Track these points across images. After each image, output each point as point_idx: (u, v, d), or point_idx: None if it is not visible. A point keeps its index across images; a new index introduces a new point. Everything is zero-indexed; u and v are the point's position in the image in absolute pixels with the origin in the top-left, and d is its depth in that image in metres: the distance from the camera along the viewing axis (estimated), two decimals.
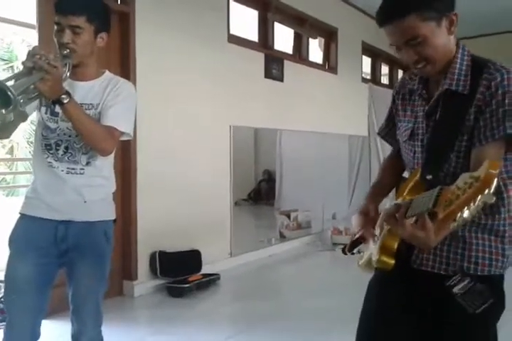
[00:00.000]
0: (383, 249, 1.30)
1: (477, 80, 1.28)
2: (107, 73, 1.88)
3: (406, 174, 1.56)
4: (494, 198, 0.90)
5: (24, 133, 9.67)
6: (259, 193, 7.91)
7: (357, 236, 1.56)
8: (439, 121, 1.35)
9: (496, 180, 0.90)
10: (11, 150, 11.00)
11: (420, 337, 1.41)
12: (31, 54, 1.54)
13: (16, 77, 1.51)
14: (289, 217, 5.90)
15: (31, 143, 8.79)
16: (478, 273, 1.31)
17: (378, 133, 1.70)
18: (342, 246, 1.68)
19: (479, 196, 0.90)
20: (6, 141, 10.93)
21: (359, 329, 1.51)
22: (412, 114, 1.44)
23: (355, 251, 1.57)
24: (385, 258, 1.29)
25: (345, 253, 1.62)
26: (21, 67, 1.54)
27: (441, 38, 1.28)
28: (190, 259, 4.18)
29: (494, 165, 0.91)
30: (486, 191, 0.90)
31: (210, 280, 4.08)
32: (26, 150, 9.30)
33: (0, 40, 10.41)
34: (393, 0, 1.29)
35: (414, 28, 1.24)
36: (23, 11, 4.24)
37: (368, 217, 1.47)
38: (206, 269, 4.23)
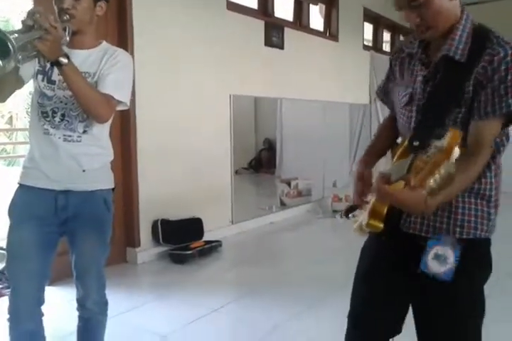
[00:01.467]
0: (372, 214, 1.32)
1: (478, 52, 1.27)
2: (105, 43, 1.88)
3: (400, 139, 1.56)
4: (454, 169, 0.91)
5: (23, 104, 9.63)
6: (260, 162, 7.94)
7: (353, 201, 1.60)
8: (436, 87, 1.34)
9: (457, 150, 0.91)
10: (10, 121, 10.98)
11: (410, 296, 1.46)
12: (31, 12, 1.52)
13: (15, 32, 1.49)
14: (289, 184, 5.95)
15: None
16: (464, 236, 1.34)
17: (376, 94, 1.68)
18: (340, 212, 1.71)
19: (441, 165, 0.91)
20: (5, 111, 10.90)
21: (353, 290, 1.57)
22: (411, 79, 1.42)
23: (350, 215, 1.60)
24: (373, 222, 1.31)
25: (341, 218, 1.66)
26: (22, 25, 1.52)
27: (444, 1, 1.27)
28: (192, 227, 4.24)
29: (456, 135, 0.92)
30: (446, 161, 0.91)
31: (212, 247, 4.15)
32: (25, 120, 9.28)
33: None
34: None
35: None
36: None
37: (363, 182, 1.48)
38: (208, 236, 4.30)
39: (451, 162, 0.91)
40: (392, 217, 1.32)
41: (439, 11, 1.27)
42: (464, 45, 1.30)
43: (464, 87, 1.28)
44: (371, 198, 1.42)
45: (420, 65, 1.40)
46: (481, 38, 1.29)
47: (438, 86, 1.34)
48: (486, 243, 1.39)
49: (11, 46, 1.39)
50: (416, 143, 1.27)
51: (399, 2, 1.28)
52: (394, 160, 1.36)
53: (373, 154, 1.59)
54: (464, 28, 1.31)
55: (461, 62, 1.29)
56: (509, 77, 1.23)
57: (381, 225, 1.30)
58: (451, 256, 1.29)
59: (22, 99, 9.31)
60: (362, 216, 1.47)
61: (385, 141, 1.61)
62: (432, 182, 0.92)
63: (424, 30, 1.31)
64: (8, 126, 10.89)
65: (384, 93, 1.64)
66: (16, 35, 1.46)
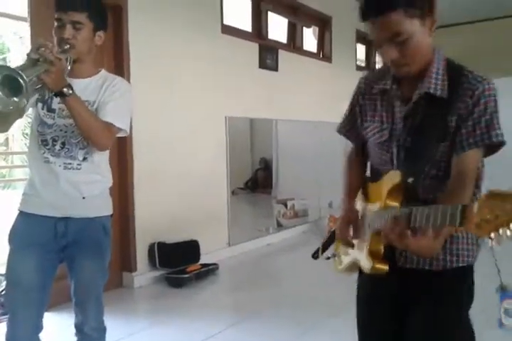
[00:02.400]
0: (373, 255, 1.32)
1: (456, 87, 1.30)
2: (103, 71, 1.91)
3: (368, 172, 1.58)
4: None
5: (20, 125, 9.64)
6: (256, 182, 7.92)
7: (327, 237, 1.64)
8: (420, 124, 1.36)
9: None
10: (7, 142, 10.98)
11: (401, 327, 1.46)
12: (37, 46, 1.56)
13: (22, 67, 1.52)
14: (285, 205, 5.94)
15: (27, 134, 8.79)
16: (460, 265, 1.37)
17: (338, 131, 1.66)
18: (313, 252, 1.71)
19: None
20: (0, 134, 10.89)
21: (357, 321, 1.59)
22: (388, 115, 1.43)
23: (330, 255, 1.60)
24: (378, 265, 1.31)
25: (316, 258, 1.66)
26: (26, 59, 1.56)
27: (425, 38, 1.29)
28: (189, 250, 4.22)
29: None
30: None
31: (209, 270, 4.12)
32: (22, 142, 9.28)
33: None
34: None
35: (400, 23, 1.22)
36: (14, 4, 4.21)
37: (352, 224, 1.49)
38: (205, 259, 4.27)
39: None
40: (387, 252, 1.34)
41: (419, 47, 1.28)
42: (442, 81, 1.33)
43: (448, 121, 1.31)
44: (355, 237, 1.44)
45: (398, 101, 1.40)
46: (456, 73, 1.33)
47: (422, 122, 1.35)
48: (472, 270, 1.43)
49: (23, 83, 1.42)
50: (411, 180, 1.30)
51: (381, 38, 1.27)
52: (383, 198, 1.34)
53: (352, 194, 1.58)
54: (438, 65, 1.34)
55: (442, 98, 1.32)
56: (488, 110, 1.28)
57: (386, 267, 1.30)
58: None
59: (18, 120, 9.31)
60: (348, 255, 1.47)
61: (358, 177, 1.61)
62: (508, 232, 0.92)
63: (401, 66, 1.31)
64: (4, 148, 10.87)
65: (347, 129, 1.63)
66: (21, 71, 1.48)
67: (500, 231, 0.91)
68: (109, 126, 1.77)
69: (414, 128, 1.37)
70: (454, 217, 1.01)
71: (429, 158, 1.33)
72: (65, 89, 1.61)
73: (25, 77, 1.42)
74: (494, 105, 1.29)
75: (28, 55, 1.55)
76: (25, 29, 3.51)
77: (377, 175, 1.48)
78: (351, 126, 1.60)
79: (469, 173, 1.29)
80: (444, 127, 1.31)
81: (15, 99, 1.47)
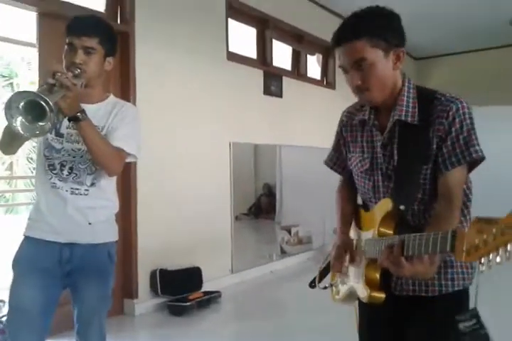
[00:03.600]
0: (369, 284, 1.34)
1: (430, 111, 1.35)
2: (112, 97, 1.92)
3: (359, 201, 1.60)
4: None
5: (24, 149, 9.70)
6: (260, 207, 7.89)
7: (324, 265, 1.66)
8: (400, 151, 1.40)
9: None
10: (11, 167, 11.02)
11: None
12: (52, 71, 1.57)
13: (42, 92, 1.53)
14: (289, 232, 5.90)
15: (31, 159, 8.81)
16: (455, 289, 1.38)
17: (326, 164, 1.72)
18: (310, 281, 1.70)
19: (510, 243, 0.92)
20: (5, 157, 10.95)
21: None
22: (368, 145, 1.49)
23: (327, 285, 1.60)
24: (375, 294, 1.32)
25: (314, 287, 1.65)
26: (43, 84, 1.57)
27: (386, 70, 1.35)
28: (191, 277, 4.16)
29: None
30: None
31: (211, 298, 4.05)
32: (26, 166, 9.32)
33: (0, 57, 10.49)
34: (348, 24, 1.36)
35: (363, 50, 1.31)
36: (23, 30, 4.29)
37: (345, 249, 1.49)
38: (207, 286, 4.20)
39: None
40: (383, 281, 1.35)
41: (381, 76, 1.35)
42: (413, 108, 1.38)
43: (427, 145, 1.34)
44: (351, 266, 1.45)
45: (375, 130, 1.46)
46: (428, 98, 1.38)
47: (402, 149, 1.40)
48: (468, 293, 1.43)
49: (47, 107, 1.43)
50: (402, 207, 1.33)
51: (346, 64, 1.36)
52: (376, 227, 1.36)
53: (347, 223, 1.60)
54: (408, 94, 1.40)
55: (414, 124, 1.37)
56: (464, 128, 1.32)
57: (383, 296, 1.32)
58: None
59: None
60: (344, 285, 1.47)
61: (350, 207, 1.64)
62: (498, 258, 0.93)
63: (362, 91, 1.37)
64: (8, 172, 10.91)
65: (334, 161, 1.69)
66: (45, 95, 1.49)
67: (491, 256, 0.93)
68: (119, 152, 1.77)
69: (393, 155, 1.41)
70: (444, 244, 1.04)
71: (416, 183, 1.36)
72: (79, 114, 1.62)
73: (50, 102, 1.43)
74: (470, 122, 1.33)
75: (45, 80, 1.56)
76: (33, 55, 3.56)
77: (366, 204, 1.53)
78: (337, 159, 1.68)
79: (455, 192, 1.33)
80: (423, 151, 1.35)
81: (40, 123, 1.47)
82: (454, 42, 7.72)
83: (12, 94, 1.47)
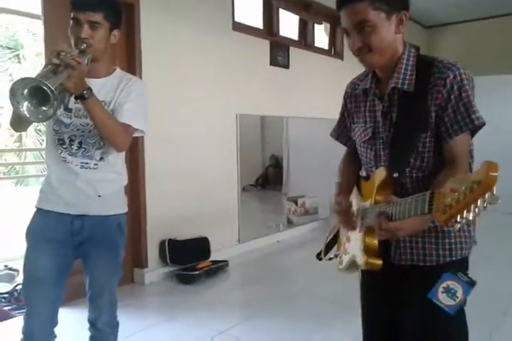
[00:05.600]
0: (367, 250, 1.36)
1: (428, 78, 1.35)
2: (118, 70, 1.93)
3: (362, 172, 1.61)
4: (499, 200, 0.92)
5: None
6: (267, 179, 7.93)
7: (330, 237, 1.69)
8: (398, 119, 1.41)
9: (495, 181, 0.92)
10: (20, 138, 11.07)
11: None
12: (57, 51, 1.58)
13: (46, 74, 1.55)
14: (296, 203, 5.95)
15: (39, 131, 8.86)
16: (453, 258, 1.40)
17: (331, 135, 1.76)
18: (317, 253, 1.74)
19: (480, 199, 0.92)
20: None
21: (361, 310, 1.65)
22: (370, 114, 1.50)
23: (332, 256, 1.63)
24: (372, 260, 1.34)
25: (321, 259, 1.69)
26: (48, 64, 1.59)
27: (389, 32, 1.36)
28: (199, 246, 4.25)
29: (493, 167, 0.90)
30: (488, 194, 0.91)
31: (219, 267, 4.15)
32: (35, 138, 9.36)
33: (5, 28, 10.39)
34: None
35: (365, 12, 1.32)
36: (28, 2, 4.25)
37: (348, 216, 1.53)
38: (215, 256, 4.29)
39: (493, 194, 0.92)
40: (382, 250, 1.37)
41: (383, 38, 1.35)
42: (410, 76, 1.39)
43: (425, 112, 1.35)
44: (351, 233, 1.48)
45: (376, 99, 1.48)
46: (426, 66, 1.38)
47: (400, 117, 1.41)
48: (467, 262, 1.46)
49: (50, 93, 1.44)
50: (396, 175, 1.35)
51: (348, 26, 1.37)
52: (373, 195, 1.38)
53: (346, 190, 1.62)
54: (407, 62, 1.41)
55: (412, 92, 1.37)
56: (463, 95, 1.33)
57: (380, 262, 1.34)
58: (460, 294, 1.31)
59: None
60: (346, 254, 1.50)
61: (351, 175, 1.66)
62: (470, 215, 0.94)
63: (364, 54, 1.38)
64: (17, 144, 10.97)
65: (338, 133, 1.72)
66: (46, 79, 1.50)
67: (465, 214, 0.94)
68: (126, 127, 1.79)
69: (393, 123, 1.43)
70: (423, 206, 1.07)
71: (410, 150, 1.37)
72: (84, 92, 1.63)
73: (52, 87, 1.44)
74: (468, 88, 1.33)
75: (49, 60, 1.57)
76: (38, 26, 3.54)
77: (369, 176, 1.54)
78: (341, 130, 1.70)
79: (461, 158, 1.34)
80: (421, 118, 1.36)
81: (44, 108, 1.50)
82: (466, 8, 7.46)
83: (15, 81, 1.48)
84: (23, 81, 1.48)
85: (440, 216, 0.98)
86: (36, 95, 1.48)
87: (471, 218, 0.94)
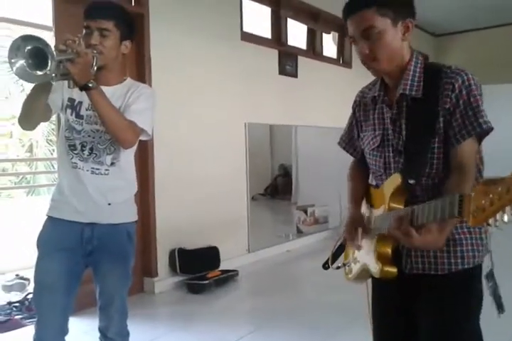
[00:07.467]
0: (381, 258, 1.34)
1: (436, 84, 1.35)
2: (129, 79, 1.95)
3: (372, 181, 1.60)
4: None
5: (43, 131, 9.79)
6: (276, 188, 7.92)
7: (336, 246, 1.67)
8: (409, 126, 1.41)
9: None
10: (31, 149, 11.16)
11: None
12: (65, 40, 1.59)
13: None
14: (305, 212, 5.93)
15: (50, 141, 8.93)
16: (465, 266, 1.38)
17: (339, 144, 1.75)
18: (323, 263, 1.72)
19: None
20: (25, 140, 11.09)
21: (372, 321, 1.62)
22: (379, 122, 1.50)
23: (340, 265, 1.61)
24: (387, 268, 1.33)
25: (327, 268, 1.67)
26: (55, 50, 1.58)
27: (394, 40, 1.37)
28: (209, 256, 4.23)
29: None
30: None
31: (229, 277, 4.13)
32: (46, 148, 9.43)
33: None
34: None
35: (372, 19, 1.33)
36: (39, 14, 4.31)
37: (357, 224, 1.52)
38: (224, 265, 4.28)
39: None
40: (394, 259, 1.36)
41: (389, 45, 1.36)
42: (418, 82, 1.39)
43: (434, 117, 1.35)
44: (362, 242, 1.46)
45: (385, 106, 1.48)
46: (434, 71, 1.39)
47: (409, 124, 1.40)
48: (480, 271, 1.43)
49: (49, 55, 1.46)
50: (412, 182, 1.34)
51: (355, 34, 1.38)
52: (387, 202, 1.37)
53: (357, 200, 1.61)
54: (415, 68, 1.41)
55: (421, 98, 1.37)
56: (472, 99, 1.33)
57: (395, 270, 1.33)
58: None
59: (42, 124, 9.43)
60: (357, 262, 1.49)
61: (361, 185, 1.65)
62: (505, 217, 0.92)
63: (371, 61, 1.39)
64: (28, 154, 11.06)
65: (346, 142, 1.71)
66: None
67: (498, 216, 0.92)
68: (132, 124, 1.79)
69: (402, 130, 1.43)
70: (452, 209, 1.04)
71: (425, 158, 1.37)
72: (89, 83, 1.64)
73: (52, 50, 1.46)
74: (477, 93, 1.33)
75: (55, 46, 1.57)
76: (48, 38, 3.59)
77: (377, 184, 1.54)
78: (349, 140, 1.70)
79: (468, 163, 1.33)
80: (430, 124, 1.35)
81: (37, 72, 1.50)
82: (475, 17, 7.49)
83: (24, 35, 1.50)
84: (33, 38, 1.50)
85: (471, 218, 0.97)
86: (36, 57, 1.48)
87: (506, 220, 0.92)
